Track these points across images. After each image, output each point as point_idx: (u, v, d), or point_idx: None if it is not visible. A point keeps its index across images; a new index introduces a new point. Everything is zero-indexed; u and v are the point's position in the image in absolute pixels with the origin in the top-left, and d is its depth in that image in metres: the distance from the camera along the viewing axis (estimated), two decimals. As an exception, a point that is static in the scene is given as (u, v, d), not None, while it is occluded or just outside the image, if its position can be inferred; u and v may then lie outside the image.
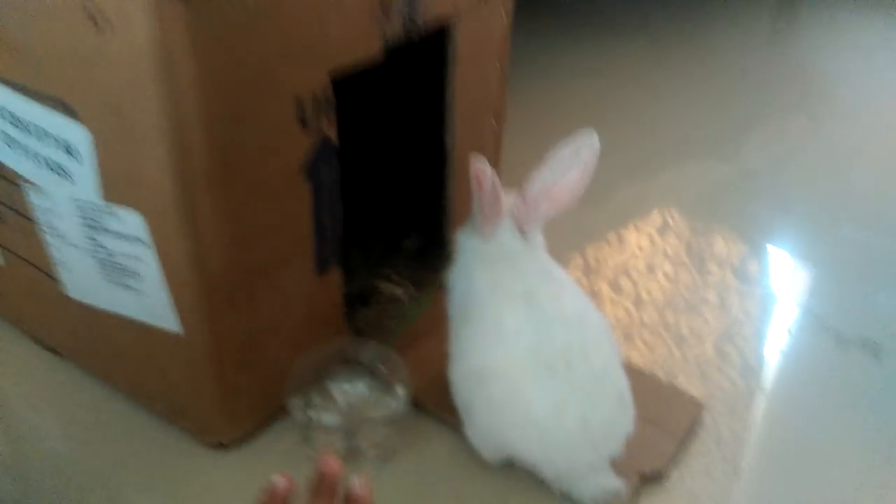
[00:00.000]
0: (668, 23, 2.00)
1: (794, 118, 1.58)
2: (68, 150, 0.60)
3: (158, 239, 0.61)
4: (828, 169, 1.37)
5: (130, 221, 0.61)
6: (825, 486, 0.75)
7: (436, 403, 0.78)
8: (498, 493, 0.71)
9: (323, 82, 0.63)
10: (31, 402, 0.80)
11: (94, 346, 0.78)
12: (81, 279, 0.71)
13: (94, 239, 0.66)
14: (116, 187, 0.60)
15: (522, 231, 0.69)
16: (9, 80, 0.60)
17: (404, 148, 0.98)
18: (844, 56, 1.93)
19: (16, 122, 0.62)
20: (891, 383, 0.87)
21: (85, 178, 0.61)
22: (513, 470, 0.71)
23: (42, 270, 0.74)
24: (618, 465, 0.68)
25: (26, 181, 0.66)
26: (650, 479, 0.72)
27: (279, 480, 0.50)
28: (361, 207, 1.03)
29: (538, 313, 0.65)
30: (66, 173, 0.62)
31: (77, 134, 0.58)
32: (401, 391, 0.76)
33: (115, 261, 0.66)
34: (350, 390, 0.79)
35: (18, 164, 0.65)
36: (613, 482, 0.67)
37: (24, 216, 0.70)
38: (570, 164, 0.66)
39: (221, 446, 0.74)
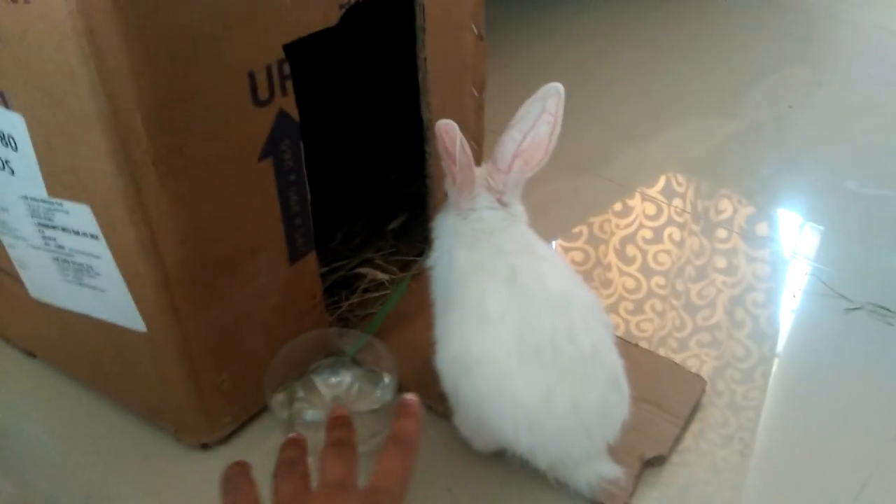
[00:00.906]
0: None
1: (798, 70, 1.51)
2: (5, 141, 0.56)
3: (109, 233, 0.57)
4: (835, 123, 1.32)
5: (79, 215, 0.57)
6: (843, 456, 0.71)
7: (425, 392, 0.74)
8: (491, 484, 0.68)
9: (276, 52, 0.58)
10: (8, 403, 0.78)
11: (66, 346, 0.75)
12: (42, 279, 0.67)
13: (49, 237, 0.62)
14: (61, 180, 0.56)
15: (502, 202, 0.65)
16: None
17: (382, 124, 0.93)
18: (848, 2, 1.85)
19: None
20: (892, 344, 0.83)
21: (27, 171, 0.57)
22: (506, 459, 0.67)
23: (8, 273, 0.70)
24: (616, 451, 0.64)
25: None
26: (652, 464, 0.68)
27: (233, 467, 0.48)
28: (342, 189, 0.99)
29: (522, 294, 0.61)
30: (8, 167, 0.58)
31: (10, 121, 0.53)
32: (388, 381, 0.72)
33: (72, 259, 0.62)
34: (335, 382, 0.75)
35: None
36: (612, 469, 0.63)
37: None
38: (537, 119, 0.62)
39: (204, 447, 0.71)
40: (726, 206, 1.06)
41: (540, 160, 0.65)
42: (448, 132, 0.60)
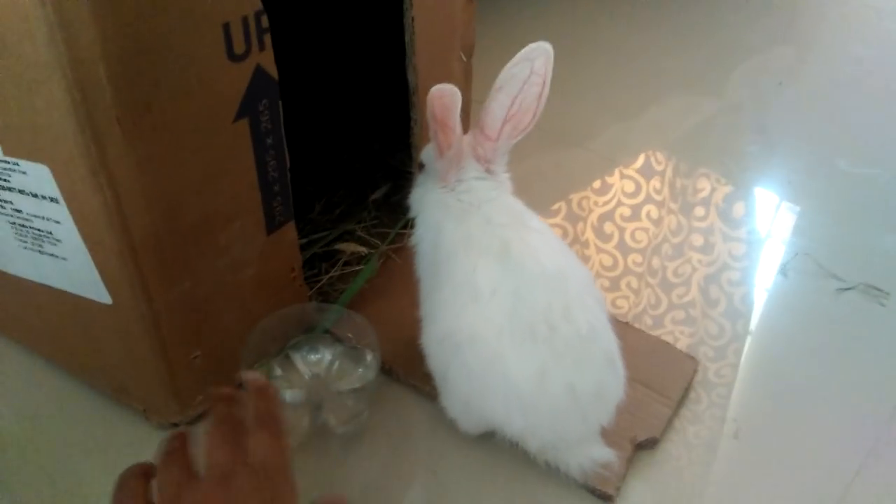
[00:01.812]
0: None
1: (780, 48, 1.50)
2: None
3: (70, 196, 0.53)
4: (816, 102, 1.31)
5: (38, 176, 0.53)
6: (823, 434, 0.70)
7: (409, 371, 0.71)
8: (478, 467, 0.65)
9: (254, 2, 0.53)
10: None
11: (27, 319, 0.70)
12: (1, 246, 0.62)
13: (5, 200, 0.57)
14: (17, 137, 0.51)
15: (490, 171, 0.61)
16: None
17: (365, 89, 0.89)
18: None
19: None
20: (885, 325, 0.82)
21: (-23, 128, 0.51)
22: (494, 442, 0.64)
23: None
24: (608, 433, 0.61)
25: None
26: (644, 446, 0.66)
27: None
28: (324, 156, 0.95)
29: (515, 270, 0.58)
30: (-44, 123, 0.52)
31: (-43, 73, 0.48)
32: (370, 359, 0.69)
33: (31, 224, 0.57)
34: (314, 360, 0.71)
35: None
36: (604, 452, 0.61)
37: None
38: (525, 81, 0.59)
39: (174, 426, 0.67)
40: (705, 184, 1.06)
41: (528, 124, 0.61)
42: (445, 98, 0.56)
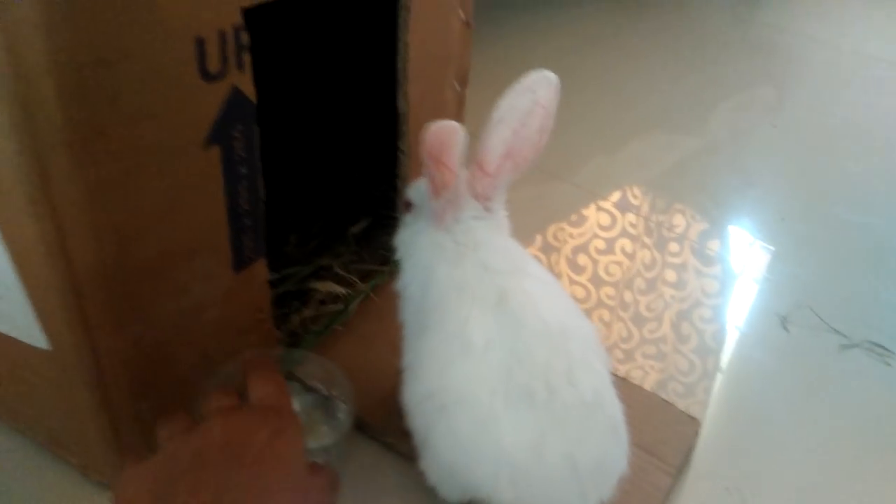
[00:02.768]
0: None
1: (760, 87, 1.50)
2: None
3: (5, 226, 0.45)
4: (794, 142, 1.32)
5: (-33, 203, 0.45)
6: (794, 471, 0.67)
7: (385, 427, 0.64)
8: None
9: (234, 16, 0.47)
10: None
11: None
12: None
13: (-71, 225, 0.49)
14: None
15: (487, 208, 0.56)
16: None
17: (352, 114, 0.83)
18: (813, 20, 1.86)
19: None
20: (849, 364, 0.81)
21: None
22: (478, 512, 0.57)
23: None
24: (606, 506, 0.55)
25: None
26: (644, 519, 0.60)
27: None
28: (300, 186, 0.88)
29: (512, 322, 0.52)
30: None
31: None
32: (343, 412, 0.63)
33: (-42, 255, 0.50)
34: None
35: None
36: (602, 530, 0.54)
37: None
38: (527, 112, 0.54)
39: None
40: (680, 221, 1.05)
41: (529, 159, 0.56)
42: (446, 137, 0.50)
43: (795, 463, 0.69)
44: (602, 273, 0.93)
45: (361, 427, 0.66)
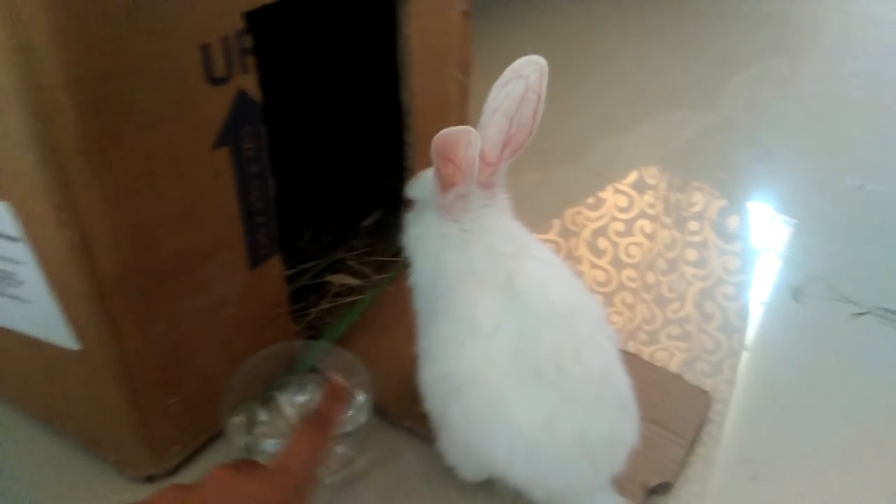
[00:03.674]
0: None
1: (775, 60, 1.49)
2: None
3: (33, 235, 0.48)
4: (810, 114, 1.30)
5: (-5, 213, 0.48)
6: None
7: (404, 412, 0.66)
8: (479, 517, 0.60)
9: (236, 21, 0.49)
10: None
11: (-9, 364, 0.64)
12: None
13: (-39, 237, 0.52)
14: (-28, 170, 0.46)
15: (491, 195, 0.58)
16: None
17: (356, 110, 0.85)
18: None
19: None
20: (861, 332, 0.81)
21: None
22: (495, 490, 0.59)
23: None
24: (618, 479, 0.57)
25: None
26: (657, 491, 0.61)
27: None
28: (311, 182, 0.90)
29: (521, 305, 0.53)
30: None
31: None
32: (362, 400, 0.64)
33: (-10, 264, 0.52)
34: (302, 402, 0.66)
35: None
36: (615, 501, 0.56)
37: None
38: (520, 98, 0.55)
39: (149, 480, 0.62)
40: (698, 199, 1.05)
41: (523, 142, 0.57)
42: (462, 142, 0.51)
43: (809, 433, 0.70)
44: (622, 255, 0.93)
45: (381, 413, 0.68)
